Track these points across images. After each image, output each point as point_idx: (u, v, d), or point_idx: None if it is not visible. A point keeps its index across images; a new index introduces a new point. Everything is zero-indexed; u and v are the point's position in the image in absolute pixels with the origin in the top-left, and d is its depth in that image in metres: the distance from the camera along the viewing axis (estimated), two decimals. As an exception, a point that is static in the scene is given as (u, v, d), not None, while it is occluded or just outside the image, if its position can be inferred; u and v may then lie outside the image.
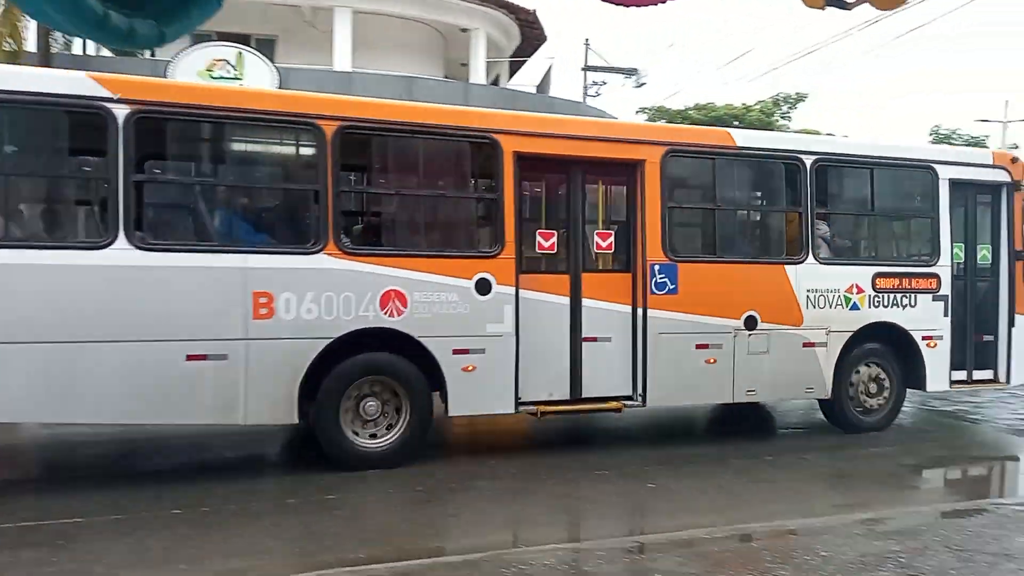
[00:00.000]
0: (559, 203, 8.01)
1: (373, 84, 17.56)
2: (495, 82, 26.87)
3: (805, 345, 8.38)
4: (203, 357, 6.31)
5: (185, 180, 7.11)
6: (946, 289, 8.94)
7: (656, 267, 7.74)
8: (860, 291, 8.60)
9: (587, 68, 27.82)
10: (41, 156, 6.46)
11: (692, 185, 8.59)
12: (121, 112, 6.17)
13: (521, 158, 7.36)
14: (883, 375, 8.94)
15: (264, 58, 19.08)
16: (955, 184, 9.04)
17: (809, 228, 8.41)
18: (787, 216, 8.59)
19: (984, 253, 9.34)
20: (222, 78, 18.71)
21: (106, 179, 6.21)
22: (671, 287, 7.79)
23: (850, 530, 5.70)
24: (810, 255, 8.41)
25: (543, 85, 25.86)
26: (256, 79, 18.75)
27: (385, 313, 6.81)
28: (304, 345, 6.60)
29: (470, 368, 7.09)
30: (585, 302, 7.68)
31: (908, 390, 9.14)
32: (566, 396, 7.65)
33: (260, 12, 21.61)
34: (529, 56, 27.13)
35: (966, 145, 34.50)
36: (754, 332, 8.12)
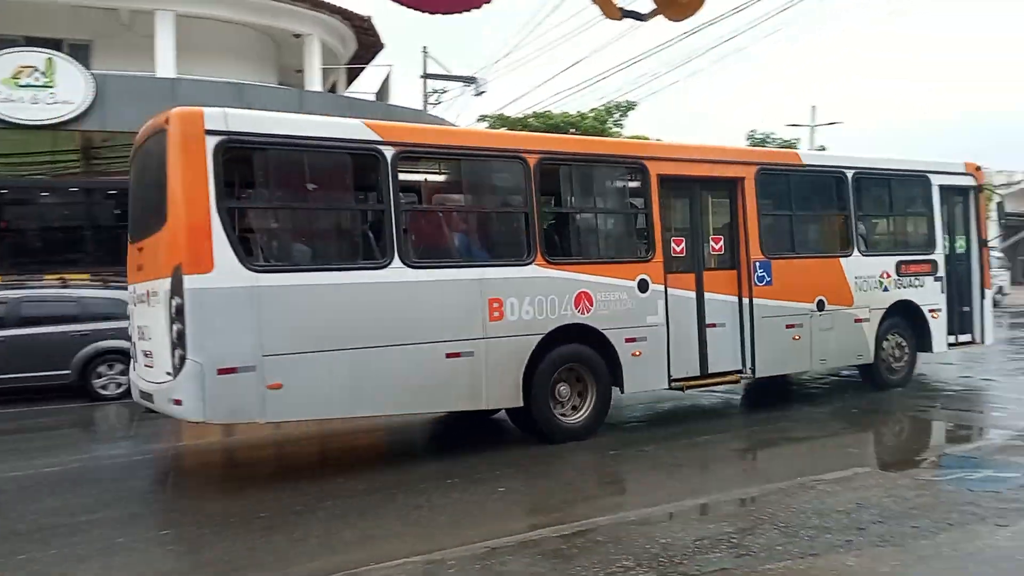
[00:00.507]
0: (684, 214, 9.82)
1: (200, 91, 16.71)
2: (332, 89, 26.35)
3: (856, 321, 10.70)
4: (457, 355, 7.71)
5: (437, 208, 8.65)
6: (942, 271, 11.62)
7: (757, 264, 9.77)
8: (889, 276, 11.03)
9: (426, 76, 27.77)
10: (333, 192, 7.80)
11: (775, 196, 10.36)
12: (389, 152, 7.53)
13: (662, 179, 9.12)
14: (903, 342, 11.36)
15: (78, 64, 17.80)
16: (942, 188, 11.68)
17: (853, 227, 10.76)
18: (839, 218, 10.89)
19: (961, 242, 12.15)
20: (30, 86, 17.29)
21: (381, 209, 7.52)
22: (768, 279, 9.84)
23: (687, 516, 6.01)
24: (855, 249, 10.76)
25: (382, 92, 25.66)
26: (69, 87, 17.45)
27: (578, 311, 8.41)
28: (525, 341, 8.08)
29: (637, 353, 8.76)
30: (706, 295, 9.50)
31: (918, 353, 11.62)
32: (697, 373, 9.38)
33: (71, 15, 20.16)
34: (366, 63, 26.79)
35: (780, 147, 37.44)
36: (823, 312, 10.31)
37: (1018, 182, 45.20)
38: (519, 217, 8.36)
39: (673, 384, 9.11)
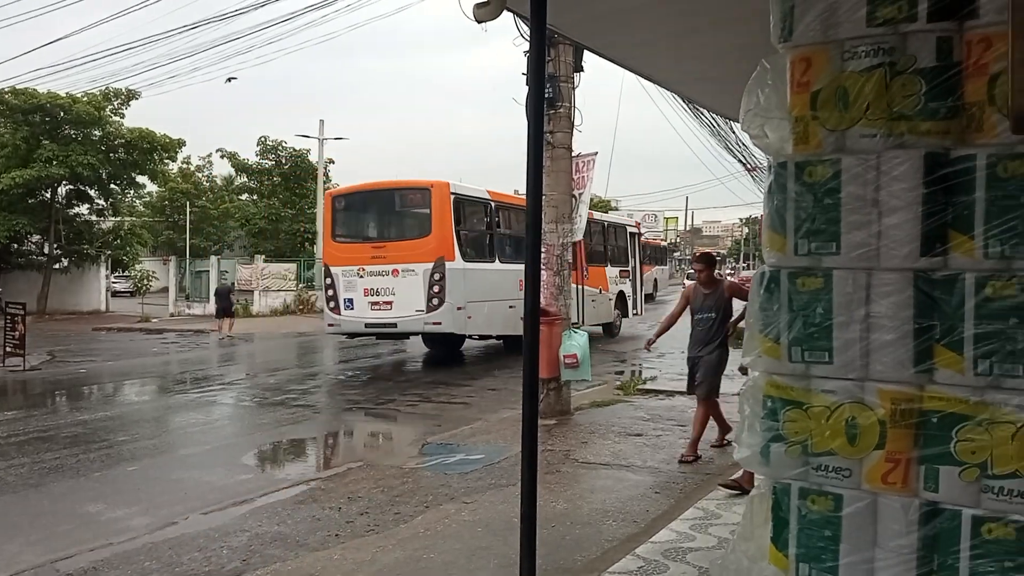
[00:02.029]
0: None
1: None
2: None
3: (609, 299, 19.92)
4: (512, 307, 14.68)
5: (504, 232, 16.84)
6: (631, 275, 22.25)
7: (586, 268, 14.45)
8: (617, 277, 20.76)
9: None
10: (481, 222, 16.27)
11: (594, 235, 19.72)
12: (492, 205, 16.25)
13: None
14: (619, 312, 20.86)
15: None
16: (630, 233, 22.87)
17: (607, 250, 20.32)
18: (601, 246, 20.03)
19: (633, 261, 23.15)
20: None
21: (490, 233, 16.39)
22: (587, 276, 14.60)
23: (196, 525, 5.65)
24: (609, 263, 20.17)
25: None
26: None
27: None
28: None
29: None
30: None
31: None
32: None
33: None
34: None
35: (293, 156, 37.94)
36: (600, 294, 18.90)
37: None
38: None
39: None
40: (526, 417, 3.81)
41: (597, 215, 19.95)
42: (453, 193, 14.34)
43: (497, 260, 15.64)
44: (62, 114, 29.82)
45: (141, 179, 33.56)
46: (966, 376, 2.23)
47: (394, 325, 14.50)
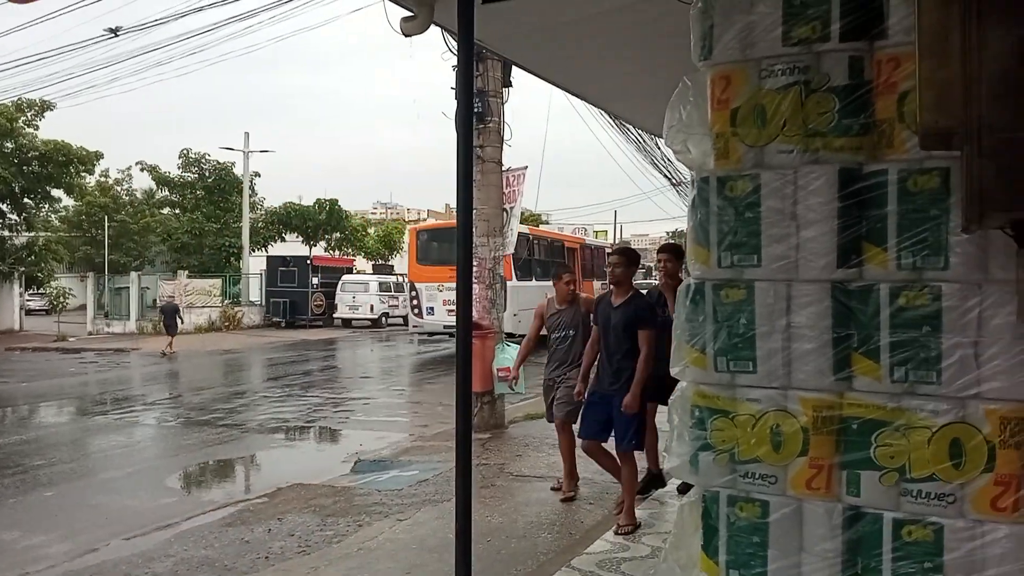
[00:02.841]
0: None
1: None
2: None
3: None
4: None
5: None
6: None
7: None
8: None
9: None
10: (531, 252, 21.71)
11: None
12: (530, 237, 22.79)
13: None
14: None
15: None
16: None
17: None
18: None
19: None
20: None
21: (530, 259, 22.01)
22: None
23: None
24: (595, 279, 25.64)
25: None
26: None
27: None
28: None
29: None
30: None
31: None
32: None
33: None
34: None
35: (217, 169, 37.08)
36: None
37: (424, 220, 52.59)
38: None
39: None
40: (460, 431, 3.79)
41: (589, 240, 26.93)
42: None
43: (533, 279, 20.45)
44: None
45: (57, 193, 32.28)
46: (883, 383, 2.32)
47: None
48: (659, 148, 17.04)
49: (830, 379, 2.38)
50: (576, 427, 5.96)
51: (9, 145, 29.50)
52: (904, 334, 2.29)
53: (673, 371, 2.62)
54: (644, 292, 6.11)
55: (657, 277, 6.37)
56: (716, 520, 2.49)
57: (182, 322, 24.92)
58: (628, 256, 5.68)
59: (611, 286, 5.73)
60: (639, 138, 16.14)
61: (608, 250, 25.51)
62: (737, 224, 2.53)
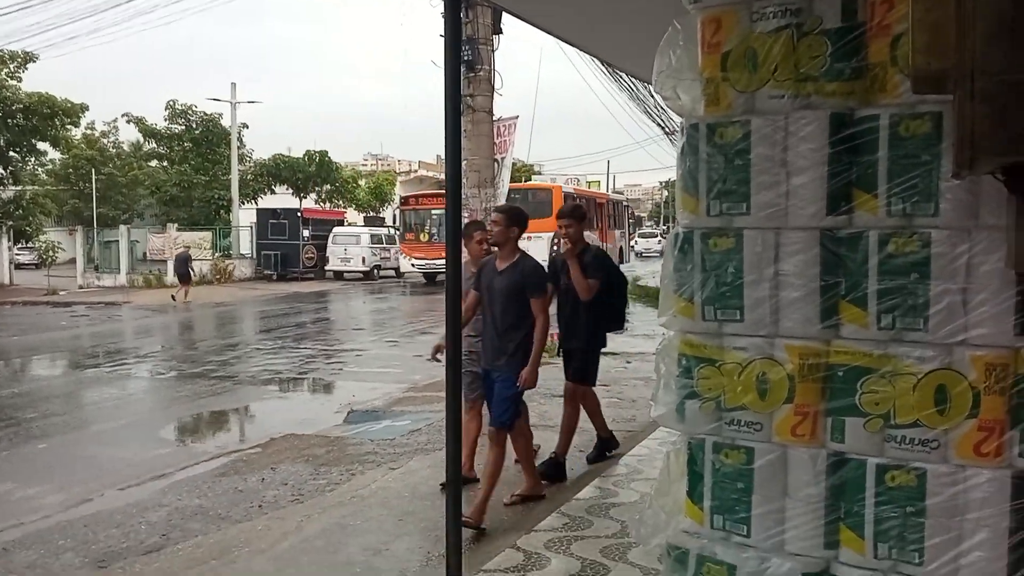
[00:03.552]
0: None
1: None
2: None
3: None
4: None
5: None
6: None
7: None
8: None
9: None
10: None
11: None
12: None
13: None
14: None
15: None
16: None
17: None
18: None
19: None
20: None
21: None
22: None
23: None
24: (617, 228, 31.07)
25: None
26: None
27: None
28: None
29: None
30: None
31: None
32: None
33: None
34: None
35: (204, 121, 36.55)
36: None
37: (415, 171, 52.21)
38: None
39: None
40: (450, 381, 3.81)
41: (613, 196, 31.23)
42: (562, 194, 24.94)
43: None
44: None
45: (43, 146, 31.86)
46: (870, 330, 2.32)
47: None
48: (652, 96, 16.84)
49: (817, 327, 2.37)
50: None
51: (-9, 98, 29.00)
52: (892, 281, 2.28)
53: (660, 320, 2.61)
54: (550, 260, 5.77)
55: (558, 245, 5.78)
56: (701, 467, 2.51)
57: (194, 273, 25.15)
58: (509, 215, 4.91)
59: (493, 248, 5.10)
60: (632, 86, 15.96)
61: (625, 202, 30.36)
62: (727, 172, 2.50)
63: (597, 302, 5.55)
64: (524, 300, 4.79)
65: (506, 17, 9.76)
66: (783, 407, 2.38)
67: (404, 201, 29.78)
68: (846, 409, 2.33)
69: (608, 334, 6.03)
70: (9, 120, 29.34)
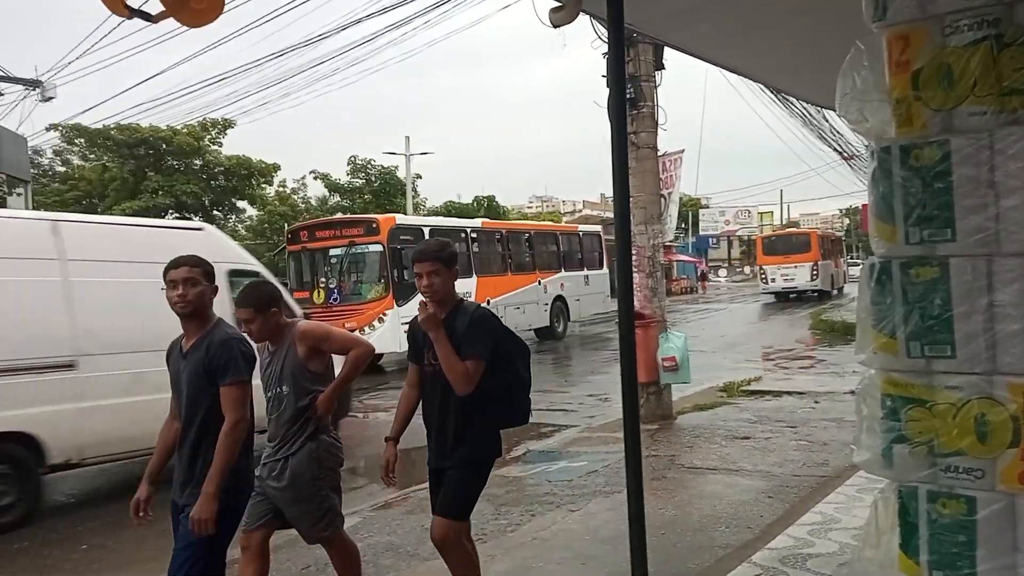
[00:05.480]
0: None
1: None
2: None
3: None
4: None
5: None
6: None
7: None
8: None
9: (-26, 76, 23.64)
10: None
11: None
12: None
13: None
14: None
15: None
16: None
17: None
18: None
19: None
20: None
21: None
22: None
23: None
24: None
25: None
26: None
27: None
28: None
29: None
30: None
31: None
32: None
33: None
34: None
35: (382, 174, 38.77)
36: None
37: (580, 211, 52.64)
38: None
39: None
40: (628, 422, 3.76)
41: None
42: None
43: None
44: (164, 146, 31.38)
45: (241, 204, 34.98)
46: (1107, 365, 2.06)
47: (795, 288, 33.38)
48: (827, 120, 16.12)
49: (1043, 362, 2.14)
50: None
51: (197, 162, 32.32)
52: None
53: (858, 358, 2.45)
54: (410, 328, 3.81)
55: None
56: (915, 517, 2.30)
57: None
58: (204, 268, 3.44)
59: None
60: (804, 112, 15.35)
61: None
62: (925, 196, 2.32)
63: (482, 393, 3.58)
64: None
65: (668, 51, 9.72)
66: (1008, 452, 2.15)
67: (292, 237, 18.08)
68: (1084, 454, 2.07)
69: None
70: (212, 182, 32.54)
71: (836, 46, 2.85)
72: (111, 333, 7.23)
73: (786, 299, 34.00)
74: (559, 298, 21.70)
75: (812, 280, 32.74)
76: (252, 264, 9.45)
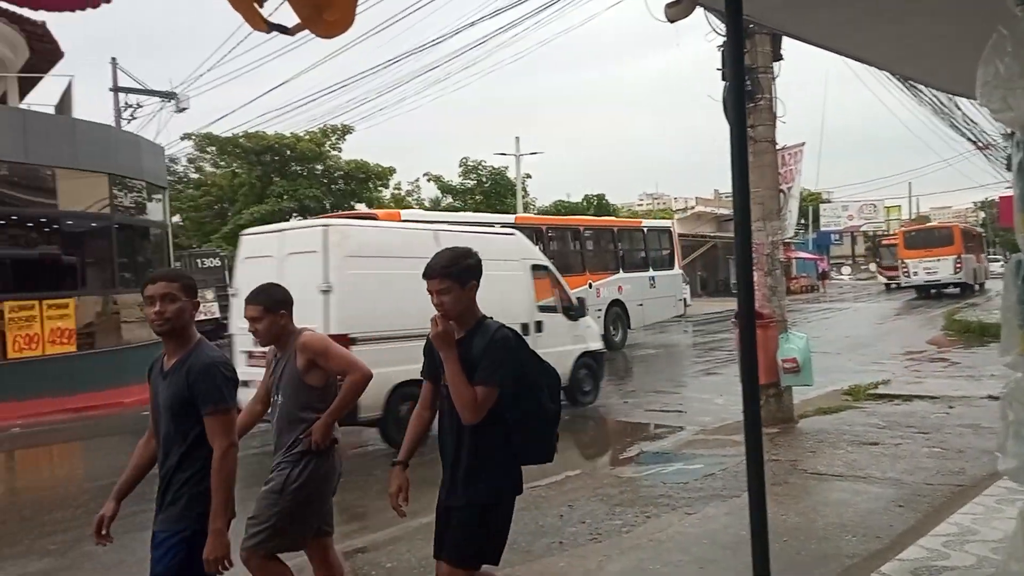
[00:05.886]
0: None
1: None
2: (2, 100, 23.19)
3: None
4: None
5: None
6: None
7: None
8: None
9: (117, 89, 25.40)
10: None
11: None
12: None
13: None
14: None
15: None
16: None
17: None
18: None
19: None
20: None
21: None
22: None
23: (412, 537, 5.95)
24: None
25: (63, 105, 22.99)
26: None
27: None
28: None
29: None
30: None
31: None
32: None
33: None
34: (43, 73, 23.92)
35: (492, 174, 39.26)
36: None
37: (692, 207, 51.65)
38: None
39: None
40: (748, 424, 3.65)
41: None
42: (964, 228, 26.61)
43: None
44: (288, 152, 32.88)
45: (359, 207, 36.23)
46: None
47: (938, 281, 32.98)
48: (959, 108, 15.20)
49: None
50: None
51: (319, 167, 33.71)
52: None
53: (1004, 360, 2.30)
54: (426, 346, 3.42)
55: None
56: (1069, 531, 2.15)
57: None
58: (183, 282, 3.13)
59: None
60: (934, 100, 14.50)
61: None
62: (1078, 187, 2.16)
63: (501, 424, 3.22)
64: (194, 416, 3.09)
65: (786, 41, 9.39)
66: None
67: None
68: None
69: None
70: (332, 185, 33.87)
71: (971, 33, 2.69)
72: None
73: (927, 294, 33.60)
74: (616, 303, 19.13)
75: (955, 273, 32.16)
76: (545, 261, 11.73)
